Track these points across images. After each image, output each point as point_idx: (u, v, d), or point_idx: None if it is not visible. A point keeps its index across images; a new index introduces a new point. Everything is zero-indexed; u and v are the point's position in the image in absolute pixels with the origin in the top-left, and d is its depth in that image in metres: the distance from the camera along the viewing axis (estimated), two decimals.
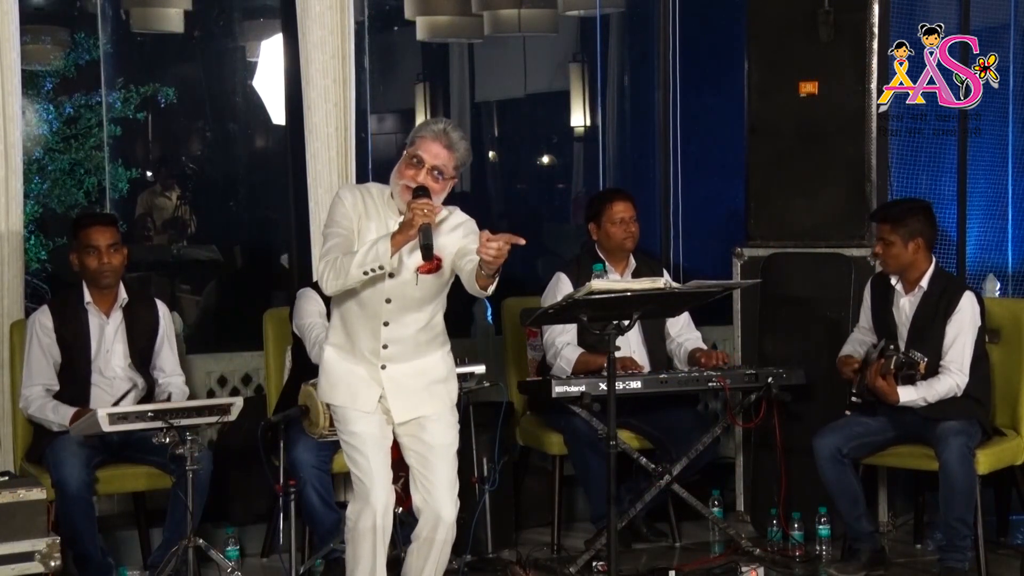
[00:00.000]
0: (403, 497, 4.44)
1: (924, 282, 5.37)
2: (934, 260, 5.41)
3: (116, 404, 5.16)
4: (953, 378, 5.25)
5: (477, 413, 5.38)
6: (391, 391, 4.30)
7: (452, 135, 4.18)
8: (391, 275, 4.17)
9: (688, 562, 5.58)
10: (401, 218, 4.12)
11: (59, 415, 5.15)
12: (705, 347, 5.91)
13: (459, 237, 4.23)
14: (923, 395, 5.22)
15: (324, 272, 4.15)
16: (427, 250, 4.03)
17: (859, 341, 5.54)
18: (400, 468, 4.41)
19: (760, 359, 5.93)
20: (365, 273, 4.07)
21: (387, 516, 4.30)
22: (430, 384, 4.35)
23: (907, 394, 5.21)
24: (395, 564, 4.53)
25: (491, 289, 4.06)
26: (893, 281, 5.44)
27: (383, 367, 4.29)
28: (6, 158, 5.55)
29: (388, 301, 4.23)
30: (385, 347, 4.28)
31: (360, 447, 4.28)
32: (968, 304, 5.30)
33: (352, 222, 4.22)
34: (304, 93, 6.04)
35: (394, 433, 4.37)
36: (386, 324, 4.25)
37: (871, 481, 5.75)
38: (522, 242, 3.88)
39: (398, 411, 4.32)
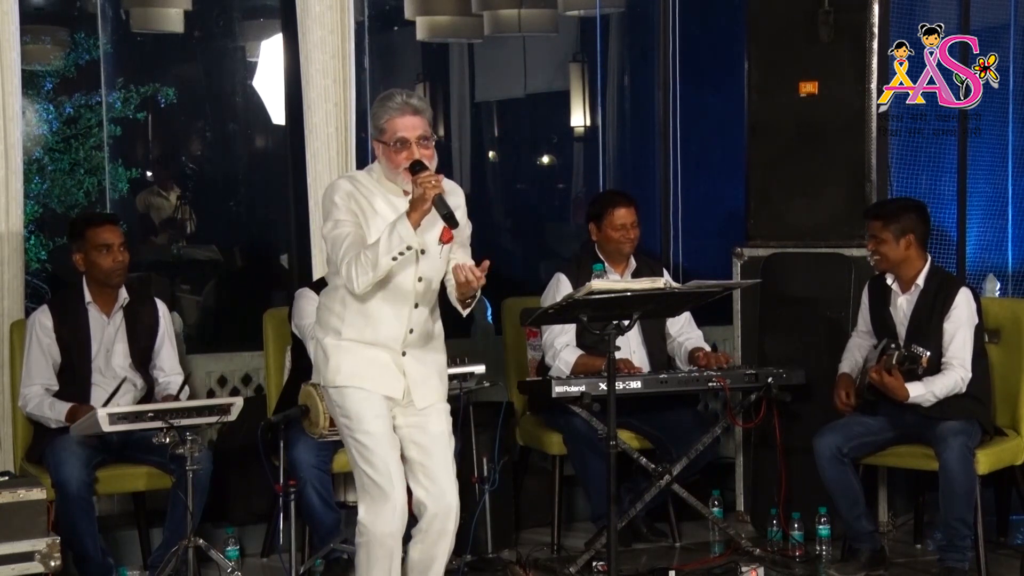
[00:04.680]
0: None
1: (920, 280, 5.37)
2: (929, 258, 5.42)
3: (110, 398, 5.17)
4: (957, 372, 5.24)
5: (477, 413, 5.38)
6: (414, 378, 4.25)
7: (412, 101, 4.15)
8: (423, 251, 4.13)
9: (688, 562, 5.58)
10: (409, 197, 4.06)
11: (55, 411, 5.16)
12: (706, 346, 5.91)
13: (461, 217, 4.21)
14: (931, 390, 5.20)
15: (350, 272, 4.05)
16: (450, 218, 4.00)
17: (858, 347, 5.54)
18: None
19: (760, 359, 5.93)
20: (394, 259, 4.01)
21: (405, 517, 4.24)
22: (439, 369, 4.36)
23: (915, 389, 5.20)
24: None
25: (465, 313, 4.18)
26: (889, 281, 5.44)
27: (403, 354, 4.24)
28: (6, 158, 5.55)
29: (420, 280, 4.19)
30: (411, 331, 4.22)
31: (375, 448, 4.17)
32: (964, 300, 5.30)
33: (354, 215, 4.16)
34: (304, 93, 6.04)
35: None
36: (416, 306, 4.21)
37: (871, 481, 5.75)
38: (485, 269, 4.02)
39: (420, 397, 4.26)
